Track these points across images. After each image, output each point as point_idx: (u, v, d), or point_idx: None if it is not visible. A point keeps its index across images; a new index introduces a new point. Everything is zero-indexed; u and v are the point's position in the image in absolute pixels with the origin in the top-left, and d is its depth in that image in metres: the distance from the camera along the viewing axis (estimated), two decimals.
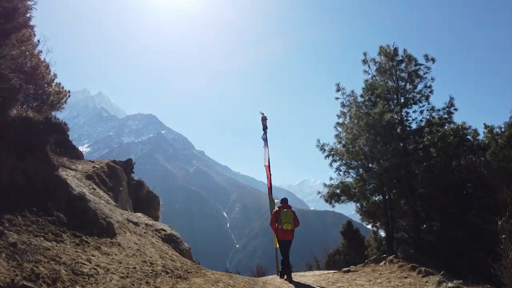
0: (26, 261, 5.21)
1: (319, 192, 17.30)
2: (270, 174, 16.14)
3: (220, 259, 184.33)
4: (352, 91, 16.25)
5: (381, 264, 12.40)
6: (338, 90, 16.12)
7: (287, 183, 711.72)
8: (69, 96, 17.92)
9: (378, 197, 16.95)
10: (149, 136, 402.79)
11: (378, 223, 17.92)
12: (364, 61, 16.85)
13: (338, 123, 16.55)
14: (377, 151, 14.69)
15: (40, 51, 16.89)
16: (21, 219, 6.46)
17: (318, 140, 17.13)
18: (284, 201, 11.22)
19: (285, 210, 10.59)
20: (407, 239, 16.74)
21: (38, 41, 17.65)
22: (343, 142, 16.58)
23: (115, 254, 7.26)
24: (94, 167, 17.66)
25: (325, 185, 17.16)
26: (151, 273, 7.02)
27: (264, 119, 17.84)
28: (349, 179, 16.85)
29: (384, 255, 14.03)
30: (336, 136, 16.84)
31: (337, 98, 16.31)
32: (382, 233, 19.81)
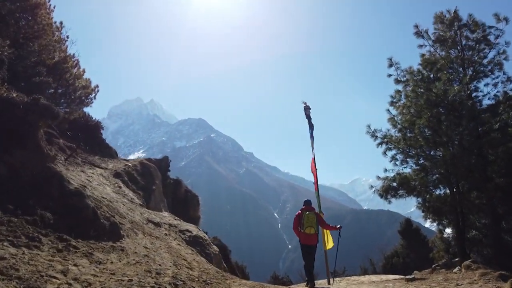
0: None
1: (372, 187, 15.03)
2: (316, 169, 14.44)
3: (273, 260, 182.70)
4: (410, 67, 13.82)
5: (454, 270, 10.02)
6: (390, 65, 13.74)
7: (337, 182, 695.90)
8: (98, 91, 17.15)
9: (444, 189, 14.36)
10: (199, 140, 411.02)
11: (445, 220, 15.30)
12: (417, 33, 14.33)
13: (392, 102, 14.15)
14: (442, 133, 12.22)
15: (66, 44, 16.37)
16: None
17: (369, 126, 14.85)
18: (307, 203, 10.27)
19: (307, 213, 9.82)
20: (482, 240, 14.04)
21: (67, 36, 17.15)
22: (398, 126, 14.18)
23: (111, 263, 5.76)
24: (126, 165, 16.67)
25: (378, 177, 14.85)
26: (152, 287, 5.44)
27: (307, 109, 16.62)
28: (408, 170, 14.40)
29: (456, 259, 11.57)
30: (390, 119, 14.46)
31: (390, 75, 13.93)
32: (449, 232, 17.15)
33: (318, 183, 13.86)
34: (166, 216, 10.86)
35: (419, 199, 14.85)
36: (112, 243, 6.57)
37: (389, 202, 14.89)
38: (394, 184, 14.24)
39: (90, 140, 17.73)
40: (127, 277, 5.39)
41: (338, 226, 10.49)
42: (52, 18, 15.67)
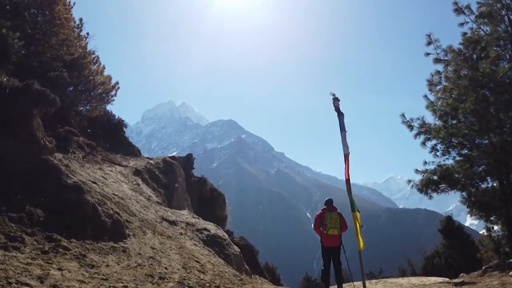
0: None
1: (409, 181, 13.68)
2: (348, 165, 13.26)
3: (307, 260, 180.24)
4: (450, 46, 12.37)
5: (511, 273, 8.66)
6: (429, 43, 12.33)
7: (371, 181, 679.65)
8: (118, 88, 16.72)
9: (492, 182, 12.88)
10: (230, 141, 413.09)
11: (493, 217, 13.75)
12: (457, 10, 12.82)
13: (430, 85, 12.72)
14: (491, 118, 10.79)
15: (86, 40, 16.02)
16: None
17: (403, 115, 13.53)
18: (328, 202, 9.82)
19: (330, 213, 9.33)
20: None
21: (87, 33, 16.82)
22: (438, 112, 12.77)
23: (106, 266, 4.99)
24: (148, 163, 16.14)
25: (417, 171, 13.48)
26: None
27: (335, 100, 15.51)
28: (450, 161, 13.00)
29: (511, 260, 10.17)
30: (429, 106, 13.06)
31: (428, 54, 12.52)
32: (498, 229, 15.56)
33: (351, 182, 12.85)
34: (184, 214, 10.09)
35: (464, 194, 13.41)
36: (113, 243, 5.82)
37: (430, 197, 13.54)
38: (435, 177, 12.89)
39: (112, 138, 17.36)
40: (122, 283, 4.59)
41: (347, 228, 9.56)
42: (71, 14, 15.38)
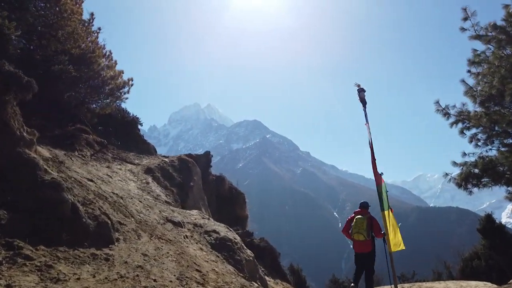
0: None
1: (446, 175, 12.30)
2: (375, 159, 12.09)
3: (335, 260, 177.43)
4: (491, 23, 10.88)
5: None
6: (465, 19, 10.92)
7: (400, 179, 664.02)
8: (132, 85, 16.01)
9: None
10: (255, 141, 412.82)
11: None
12: None
13: (472, 63, 11.30)
14: None
15: (97, 34, 15.35)
16: None
17: (438, 103, 12.18)
18: (362, 205, 9.44)
19: (357, 217, 8.96)
20: None
21: (99, 28, 16.17)
22: (478, 98, 11.36)
23: (77, 279, 4.04)
24: (163, 161, 15.38)
25: (455, 163, 12.11)
26: None
27: (361, 91, 14.46)
28: (493, 152, 11.57)
29: None
30: (468, 92, 11.67)
31: (464, 30, 11.07)
32: None
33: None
34: (193, 215, 9.12)
35: (510, 189, 11.95)
36: (95, 250, 4.89)
37: (470, 192, 12.15)
38: (476, 170, 11.48)
39: (125, 136, 16.70)
40: None
41: (382, 232, 8.91)
42: (81, 8, 14.76)
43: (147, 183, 11.42)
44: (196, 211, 9.93)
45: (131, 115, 17.78)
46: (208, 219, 9.10)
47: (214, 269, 6.07)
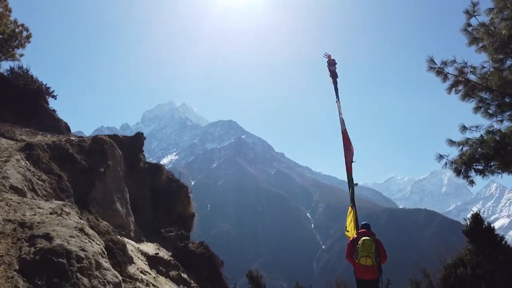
0: None
1: (441, 156, 9.06)
2: (349, 143, 10.85)
3: (307, 260, 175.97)
4: None
5: None
6: None
7: (372, 181, 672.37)
8: (29, 42, 12.17)
9: None
10: (230, 142, 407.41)
11: None
12: None
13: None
14: None
15: None
16: None
17: (432, 60, 8.95)
18: (365, 226, 8.42)
19: (364, 238, 7.89)
20: None
21: None
22: (487, 56, 8.17)
23: None
24: (67, 140, 11.57)
25: (451, 142, 8.93)
26: None
27: (331, 64, 12.48)
28: (505, 125, 8.43)
29: None
30: (472, 42, 8.46)
31: None
32: None
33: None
34: (42, 208, 5.40)
35: None
36: None
37: (471, 182, 9.00)
38: (483, 150, 8.28)
39: (25, 107, 12.78)
40: None
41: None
42: None
43: (6, 164, 7.62)
44: (56, 202, 6.18)
45: (38, 82, 13.83)
46: (68, 214, 5.40)
47: None
